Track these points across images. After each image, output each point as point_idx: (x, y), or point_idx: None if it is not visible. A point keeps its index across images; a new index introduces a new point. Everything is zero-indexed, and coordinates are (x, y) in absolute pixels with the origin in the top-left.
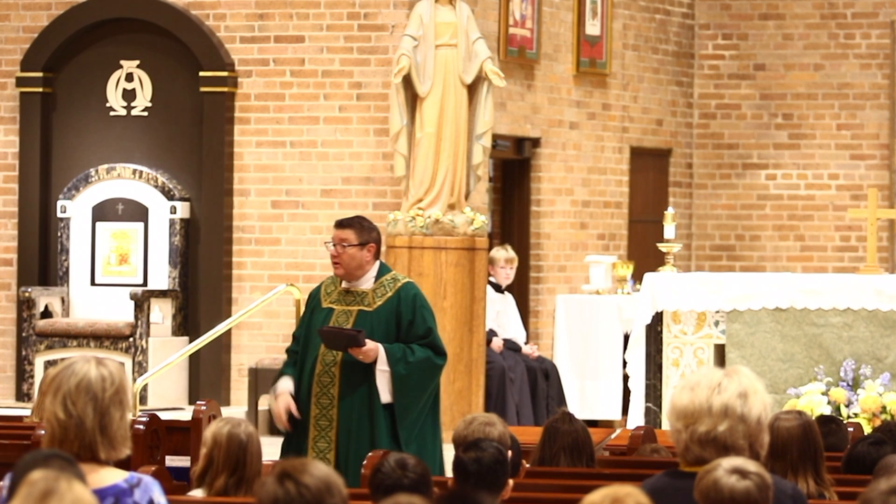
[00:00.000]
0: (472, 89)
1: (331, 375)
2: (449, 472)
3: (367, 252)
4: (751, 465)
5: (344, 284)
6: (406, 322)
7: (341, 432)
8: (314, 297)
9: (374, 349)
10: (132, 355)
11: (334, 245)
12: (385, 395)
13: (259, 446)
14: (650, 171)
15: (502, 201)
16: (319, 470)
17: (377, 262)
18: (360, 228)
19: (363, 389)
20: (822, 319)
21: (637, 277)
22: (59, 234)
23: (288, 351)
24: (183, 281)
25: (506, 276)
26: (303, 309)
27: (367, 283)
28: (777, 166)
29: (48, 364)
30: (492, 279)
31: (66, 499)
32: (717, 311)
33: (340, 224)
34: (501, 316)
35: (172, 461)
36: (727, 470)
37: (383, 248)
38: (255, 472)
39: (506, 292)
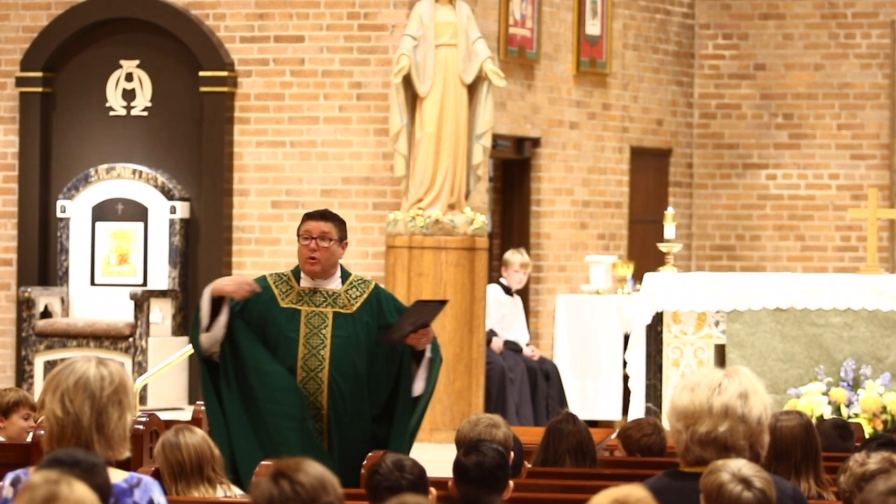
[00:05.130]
0: (472, 89)
1: (318, 381)
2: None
3: (342, 249)
4: (757, 480)
5: (306, 283)
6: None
7: (333, 441)
8: (266, 292)
9: (433, 331)
10: (132, 355)
11: (311, 238)
12: (420, 385)
13: (197, 441)
14: (650, 171)
15: (502, 201)
16: (314, 468)
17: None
18: (338, 222)
19: (354, 395)
20: (822, 319)
21: (637, 277)
22: (58, 234)
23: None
24: (183, 281)
25: (518, 280)
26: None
27: (335, 282)
28: (777, 166)
29: (48, 364)
30: (503, 281)
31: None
32: (718, 311)
33: (321, 216)
34: (507, 318)
35: None
36: (734, 476)
37: (383, 249)
38: (195, 464)
39: (515, 295)
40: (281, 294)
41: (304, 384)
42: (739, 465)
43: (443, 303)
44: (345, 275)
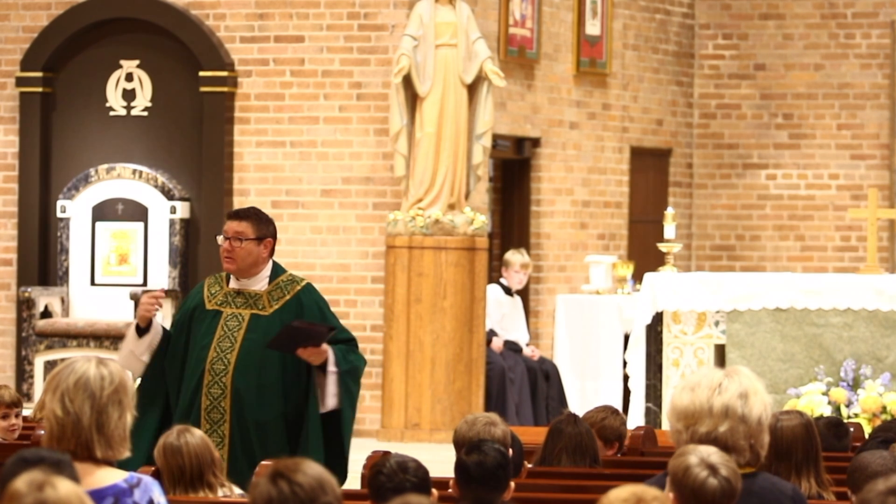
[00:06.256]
0: (472, 89)
1: (222, 386)
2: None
3: (264, 248)
4: (724, 469)
5: (233, 284)
6: None
7: (236, 447)
8: (195, 297)
9: (326, 350)
10: None
11: (227, 238)
12: (332, 401)
13: (198, 444)
14: (650, 171)
15: (502, 201)
16: (312, 468)
17: (271, 261)
18: (257, 221)
19: (259, 400)
20: (822, 319)
21: (637, 277)
22: (58, 234)
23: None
24: (183, 281)
25: (519, 280)
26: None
27: (260, 283)
28: (777, 166)
29: (48, 364)
30: (503, 281)
31: None
32: (718, 311)
33: (236, 215)
34: (507, 318)
35: None
36: (702, 461)
37: (383, 249)
38: (196, 469)
39: (515, 295)
40: (210, 296)
41: (209, 388)
42: (709, 452)
43: (331, 329)
44: (275, 275)
